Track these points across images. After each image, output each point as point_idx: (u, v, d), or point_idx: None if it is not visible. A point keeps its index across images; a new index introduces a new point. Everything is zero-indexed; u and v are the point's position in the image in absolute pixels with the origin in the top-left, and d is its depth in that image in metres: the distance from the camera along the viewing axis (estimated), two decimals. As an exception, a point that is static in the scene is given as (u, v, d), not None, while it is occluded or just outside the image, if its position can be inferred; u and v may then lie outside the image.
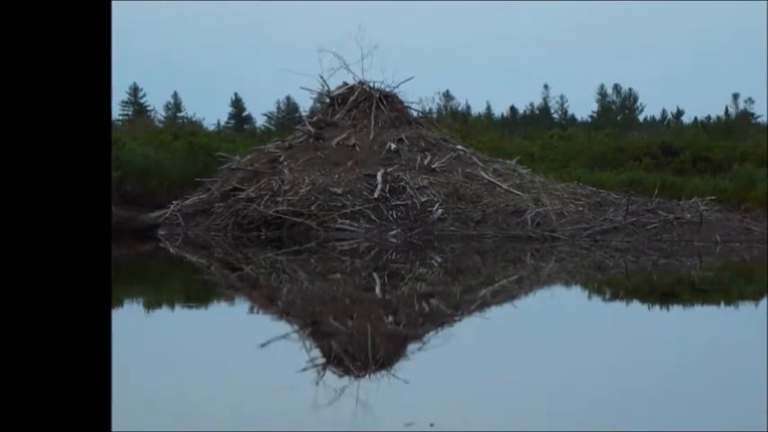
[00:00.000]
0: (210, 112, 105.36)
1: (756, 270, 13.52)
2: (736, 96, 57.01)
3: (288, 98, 52.67)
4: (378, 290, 10.98)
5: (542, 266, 13.46)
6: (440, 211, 16.63)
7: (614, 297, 11.18)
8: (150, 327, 8.55)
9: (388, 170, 17.42)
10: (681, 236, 16.07)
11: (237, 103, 59.01)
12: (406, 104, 19.75)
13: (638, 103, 61.43)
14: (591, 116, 58.77)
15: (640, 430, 4.86)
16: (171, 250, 15.23)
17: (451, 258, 14.25)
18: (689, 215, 16.60)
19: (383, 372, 6.33)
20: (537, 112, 59.97)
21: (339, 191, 16.97)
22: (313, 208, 16.68)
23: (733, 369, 6.57)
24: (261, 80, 77.35)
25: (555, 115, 61.25)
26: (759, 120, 49.32)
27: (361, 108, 19.15)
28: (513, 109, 58.79)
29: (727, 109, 54.54)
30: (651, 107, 78.92)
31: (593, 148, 27.09)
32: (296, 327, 8.58)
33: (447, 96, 53.23)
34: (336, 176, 17.40)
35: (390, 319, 8.90)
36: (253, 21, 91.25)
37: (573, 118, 59.07)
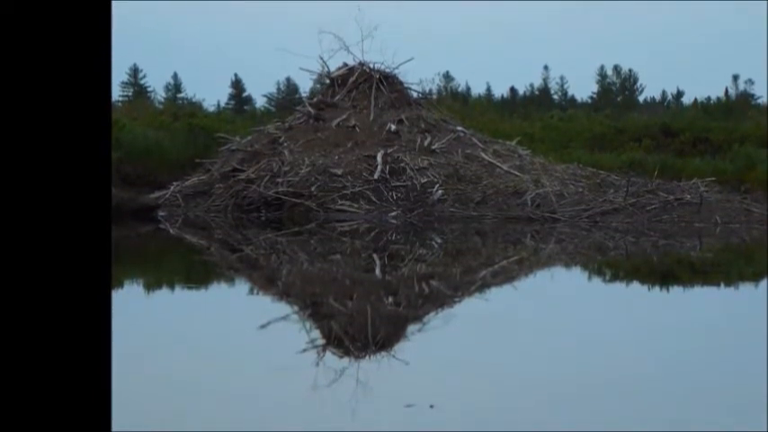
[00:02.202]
0: (210, 93, 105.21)
1: (756, 251, 13.53)
2: (736, 77, 56.78)
3: (288, 79, 52.48)
4: (378, 271, 10.99)
5: (542, 248, 13.47)
6: (440, 192, 16.62)
7: (614, 278, 11.20)
8: (150, 308, 8.56)
9: (388, 151, 17.40)
10: (681, 217, 16.07)
11: (237, 84, 58.80)
12: (406, 85, 19.69)
13: (638, 85, 61.20)
14: (591, 97, 58.60)
15: (640, 410, 4.87)
16: (171, 231, 15.24)
17: (451, 239, 14.26)
18: (689, 196, 16.60)
19: (383, 353, 6.34)
20: (537, 93, 59.72)
21: (339, 172, 16.96)
22: (313, 189, 16.67)
23: (733, 350, 6.58)
24: (261, 61, 77.06)
25: (555, 96, 61.05)
26: (759, 101, 49.10)
27: (361, 89, 19.10)
28: (512, 90, 58.56)
29: (727, 90, 54.31)
30: (651, 88, 78.66)
31: (593, 130, 27.03)
32: (296, 308, 8.59)
33: (447, 77, 53.16)
34: (336, 157, 17.39)
35: (390, 300, 8.91)
36: (253, 1, 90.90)
37: (573, 99, 58.88)
